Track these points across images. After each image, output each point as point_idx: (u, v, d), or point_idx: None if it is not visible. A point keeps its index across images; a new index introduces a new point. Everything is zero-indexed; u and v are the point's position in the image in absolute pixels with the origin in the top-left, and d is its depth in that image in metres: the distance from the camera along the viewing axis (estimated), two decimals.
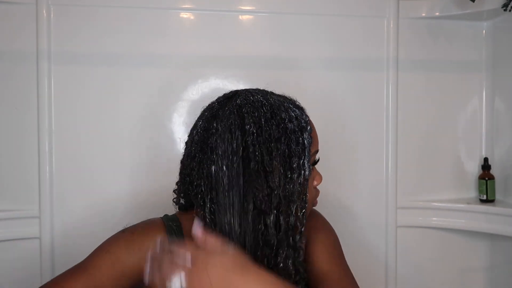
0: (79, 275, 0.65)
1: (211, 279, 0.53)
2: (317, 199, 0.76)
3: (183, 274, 0.54)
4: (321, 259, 0.75)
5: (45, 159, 1.17)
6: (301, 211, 0.67)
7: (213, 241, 0.57)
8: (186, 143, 0.70)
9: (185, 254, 0.55)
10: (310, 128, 0.67)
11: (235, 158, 0.62)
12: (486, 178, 1.33)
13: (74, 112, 1.20)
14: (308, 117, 0.70)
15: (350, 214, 1.32)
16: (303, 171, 0.65)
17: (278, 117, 0.64)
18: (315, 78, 1.30)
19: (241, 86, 1.26)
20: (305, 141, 0.66)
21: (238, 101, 0.66)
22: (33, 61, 1.17)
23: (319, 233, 0.79)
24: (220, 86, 1.24)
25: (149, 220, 0.74)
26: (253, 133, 0.62)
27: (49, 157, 1.18)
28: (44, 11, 1.17)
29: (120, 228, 0.72)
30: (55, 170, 1.18)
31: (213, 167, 0.63)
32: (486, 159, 1.36)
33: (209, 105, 0.71)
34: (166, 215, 0.75)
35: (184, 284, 0.54)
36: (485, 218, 1.29)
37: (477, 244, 1.38)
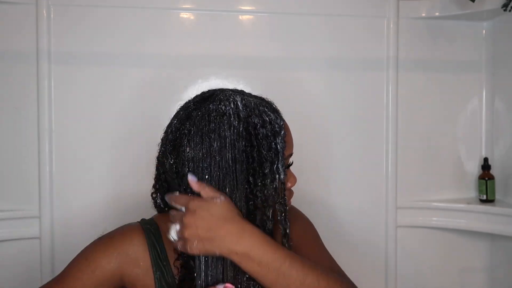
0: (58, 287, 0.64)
1: (197, 225, 0.59)
2: (292, 199, 0.73)
3: (177, 225, 0.61)
4: (301, 248, 0.74)
5: (45, 159, 1.17)
6: (281, 214, 0.66)
7: (207, 190, 0.61)
8: (162, 139, 0.70)
9: (182, 205, 0.62)
10: (284, 133, 0.65)
11: (203, 165, 0.62)
12: (486, 178, 1.33)
13: (74, 112, 1.20)
14: (283, 120, 0.68)
15: (350, 214, 1.32)
16: (277, 175, 0.64)
17: (250, 124, 0.63)
18: (315, 78, 1.30)
19: (241, 86, 1.26)
20: (278, 146, 0.64)
21: (211, 106, 0.64)
22: (33, 61, 1.17)
23: (297, 225, 0.78)
24: (220, 86, 1.21)
25: (126, 225, 0.73)
26: (220, 141, 0.62)
27: (49, 157, 1.18)
28: (44, 11, 1.17)
29: (102, 231, 0.72)
30: (55, 170, 1.18)
31: (185, 169, 0.63)
32: (486, 159, 1.36)
33: (185, 103, 0.70)
34: (143, 219, 0.74)
35: (178, 233, 0.61)
36: (485, 218, 1.29)
37: (477, 244, 1.38)
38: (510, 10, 1.19)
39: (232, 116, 0.63)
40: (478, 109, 1.41)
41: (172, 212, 0.64)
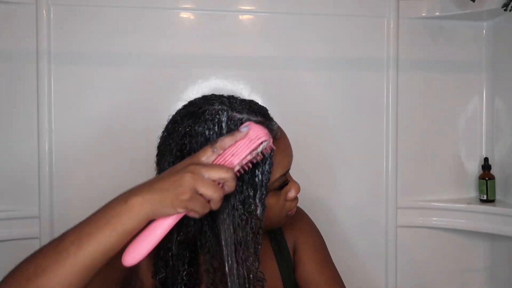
0: None
1: None
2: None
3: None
4: (308, 266, 0.75)
5: (45, 159, 1.17)
6: (254, 229, 0.60)
7: None
8: (157, 147, 0.68)
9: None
10: (270, 159, 0.59)
11: None
12: (486, 178, 1.33)
13: (74, 112, 1.20)
14: (277, 134, 0.62)
15: (350, 214, 1.32)
16: (253, 207, 0.59)
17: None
18: (315, 78, 1.30)
19: (241, 86, 1.26)
20: (260, 177, 0.59)
21: (197, 128, 0.59)
22: (33, 61, 1.17)
23: (308, 237, 0.78)
24: (220, 86, 1.24)
25: None
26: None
27: (49, 157, 1.18)
28: (44, 11, 1.17)
29: None
30: (55, 170, 1.18)
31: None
32: (486, 159, 1.36)
33: (174, 116, 0.66)
34: None
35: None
36: (485, 218, 1.29)
37: (477, 244, 1.38)
38: (510, 10, 1.19)
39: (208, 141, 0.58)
40: (478, 109, 1.41)
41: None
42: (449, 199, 1.38)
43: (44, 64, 1.17)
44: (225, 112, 0.59)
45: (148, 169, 1.25)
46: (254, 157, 0.56)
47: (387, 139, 1.33)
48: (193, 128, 0.59)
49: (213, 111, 0.60)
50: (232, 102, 0.63)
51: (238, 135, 0.55)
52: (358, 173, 1.32)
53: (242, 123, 0.58)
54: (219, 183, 0.53)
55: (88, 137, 1.20)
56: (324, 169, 1.30)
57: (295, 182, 0.69)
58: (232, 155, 0.55)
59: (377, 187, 1.33)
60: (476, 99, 1.41)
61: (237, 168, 0.55)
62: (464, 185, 1.40)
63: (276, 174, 0.62)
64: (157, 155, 0.66)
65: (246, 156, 0.55)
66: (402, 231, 1.34)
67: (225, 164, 0.54)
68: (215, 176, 0.52)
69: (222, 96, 0.65)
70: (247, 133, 0.55)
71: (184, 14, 1.25)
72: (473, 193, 1.41)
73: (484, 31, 1.39)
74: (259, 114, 0.62)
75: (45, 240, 1.17)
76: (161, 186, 0.52)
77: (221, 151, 0.55)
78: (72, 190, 1.19)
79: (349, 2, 1.30)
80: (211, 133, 0.58)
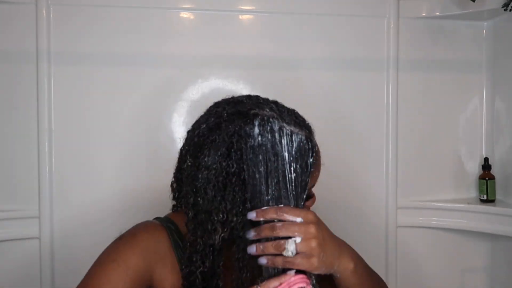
0: None
1: (324, 236, 0.59)
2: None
3: (298, 237, 0.57)
4: None
5: (45, 159, 1.17)
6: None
7: (294, 210, 0.59)
8: (186, 139, 0.67)
9: (295, 218, 0.58)
10: (311, 164, 0.62)
11: (218, 178, 0.60)
12: (487, 178, 1.33)
13: (74, 112, 1.20)
14: (313, 156, 0.63)
15: (350, 214, 1.32)
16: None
17: (285, 163, 0.59)
18: (315, 78, 1.30)
19: (241, 86, 1.26)
20: (303, 185, 0.61)
21: (247, 129, 0.60)
22: (33, 61, 1.17)
23: None
24: (220, 86, 1.24)
25: (146, 222, 0.71)
26: (250, 170, 0.59)
27: (49, 157, 1.18)
28: (44, 11, 1.17)
29: (117, 229, 0.70)
30: (55, 170, 1.18)
31: (199, 174, 0.61)
32: (486, 159, 1.36)
33: (216, 109, 0.66)
34: (159, 218, 0.73)
35: (298, 247, 0.57)
36: (485, 218, 1.29)
37: (477, 244, 1.38)
38: (510, 10, 1.19)
39: (270, 151, 0.59)
40: (478, 109, 1.41)
41: (284, 225, 0.58)
42: (449, 199, 1.38)
43: (44, 64, 1.17)
44: (276, 121, 0.60)
45: (149, 168, 1.26)
46: None
47: (387, 139, 1.33)
48: (243, 129, 0.60)
49: (265, 118, 0.60)
50: (281, 111, 0.65)
51: (282, 278, 0.57)
52: (358, 173, 1.32)
53: (290, 136, 0.60)
54: None
55: (88, 137, 1.20)
56: (324, 168, 1.30)
57: (314, 194, 0.73)
58: None
59: (377, 187, 1.33)
60: (476, 99, 1.40)
61: None
62: (464, 185, 1.40)
63: (309, 184, 0.64)
64: (189, 145, 0.65)
65: None
66: (402, 231, 1.34)
67: None
68: None
69: (268, 100, 0.68)
70: (291, 277, 0.57)
71: (184, 14, 1.25)
72: (473, 193, 1.40)
73: (484, 31, 1.39)
74: (304, 126, 0.67)
75: (45, 240, 1.17)
76: None
77: None
78: (72, 190, 1.19)
79: (349, 2, 1.30)
80: (263, 139, 0.59)
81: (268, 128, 0.59)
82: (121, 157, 1.22)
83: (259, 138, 0.59)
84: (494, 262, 1.38)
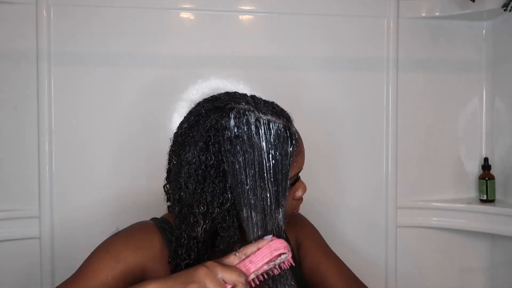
0: (81, 282, 0.62)
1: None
2: (303, 203, 0.74)
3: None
4: (315, 256, 0.80)
5: (45, 159, 1.17)
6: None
7: None
8: (173, 138, 0.69)
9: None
10: (292, 150, 0.62)
11: (198, 171, 0.61)
12: (486, 178, 1.33)
13: (74, 112, 1.20)
14: (297, 140, 0.65)
15: (350, 214, 1.32)
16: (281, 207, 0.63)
17: (263, 152, 0.61)
18: (315, 78, 1.30)
19: (241, 86, 1.26)
20: (281, 188, 0.62)
21: (223, 122, 0.61)
22: (33, 61, 1.17)
23: (308, 230, 0.84)
24: (220, 86, 1.24)
25: (142, 221, 0.73)
26: (231, 165, 0.60)
27: (49, 157, 1.18)
28: (44, 11, 1.17)
29: (117, 229, 0.72)
30: (55, 170, 1.18)
31: (182, 170, 0.62)
32: (486, 159, 1.36)
33: (196, 108, 0.68)
34: (155, 218, 0.75)
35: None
36: (485, 218, 1.29)
37: (477, 244, 1.38)
38: (510, 10, 1.19)
39: (247, 142, 0.60)
40: (478, 109, 1.41)
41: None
42: (449, 199, 1.38)
43: (44, 64, 1.17)
44: (252, 113, 0.62)
45: (149, 168, 1.25)
46: (271, 269, 0.59)
47: (387, 139, 1.33)
48: (219, 122, 0.61)
49: (241, 110, 0.62)
50: (257, 103, 0.65)
51: (260, 243, 0.59)
52: (358, 173, 1.32)
53: (268, 124, 0.61)
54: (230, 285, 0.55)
55: (88, 137, 1.20)
56: (324, 168, 1.30)
57: (303, 182, 0.71)
58: (251, 262, 0.58)
59: (377, 187, 1.33)
60: (476, 99, 1.41)
61: (252, 276, 0.58)
62: (464, 185, 1.40)
63: (292, 172, 0.64)
64: (174, 145, 0.68)
65: (263, 265, 0.58)
66: (402, 231, 1.34)
67: (243, 269, 0.57)
68: (227, 277, 0.55)
69: (245, 95, 0.68)
70: (269, 241, 0.59)
71: (184, 14, 1.25)
72: (473, 193, 1.41)
73: (484, 31, 1.39)
74: (282, 116, 0.65)
75: (45, 240, 1.17)
76: (177, 275, 0.55)
77: (243, 257, 0.58)
78: (72, 190, 1.19)
79: (349, 2, 1.30)
80: (240, 131, 0.60)
81: (244, 120, 0.61)
82: (121, 157, 1.22)
83: (235, 130, 0.61)
84: (493, 262, 1.38)
